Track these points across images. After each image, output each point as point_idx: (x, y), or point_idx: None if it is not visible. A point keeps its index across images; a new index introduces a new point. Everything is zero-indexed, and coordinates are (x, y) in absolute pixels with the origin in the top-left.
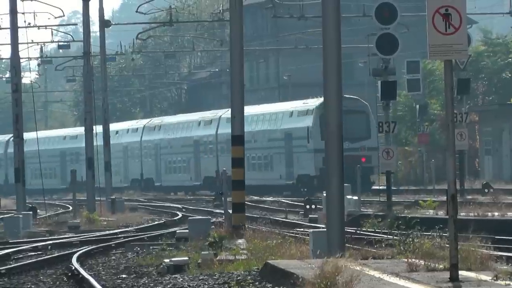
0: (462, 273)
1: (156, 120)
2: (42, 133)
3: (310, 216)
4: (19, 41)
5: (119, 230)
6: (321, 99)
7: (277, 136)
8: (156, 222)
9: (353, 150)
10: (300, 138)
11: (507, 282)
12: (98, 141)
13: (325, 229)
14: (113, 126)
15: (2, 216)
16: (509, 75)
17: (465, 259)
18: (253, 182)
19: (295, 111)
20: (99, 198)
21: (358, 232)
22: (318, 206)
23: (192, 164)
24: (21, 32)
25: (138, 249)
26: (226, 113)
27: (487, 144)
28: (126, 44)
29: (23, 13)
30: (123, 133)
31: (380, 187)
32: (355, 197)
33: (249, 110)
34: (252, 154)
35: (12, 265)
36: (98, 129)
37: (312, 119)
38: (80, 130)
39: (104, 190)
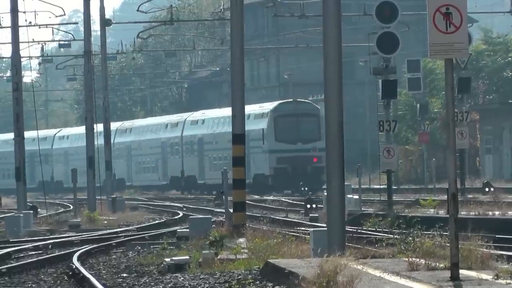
0: (463, 272)
1: (127, 123)
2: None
3: (310, 215)
4: (20, 40)
5: (119, 229)
6: (275, 103)
7: None
8: (157, 221)
9: (305, 151)
10: (256, 140)
11: (508, 281)
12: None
13: (326, 228)
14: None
15: (3, 215)
16: (510, 73)
17: (466, 258)
18: (215, 182)
19: (252, 114)
20: (99, 197)
21: (359, 231)
22: (318, 205)
23: (160, 164)
24: (22, 31)
25: (139, 248)
26: (191, 116)
27: (488, 143)
28: (126, 43)
29: (24, 12)
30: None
31: (381, 186)
32: (356, 196)
33: (209, 113)
34: (213, 155)
35: (13, 264)
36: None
37: (267, 121)
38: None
39: (105, 189)
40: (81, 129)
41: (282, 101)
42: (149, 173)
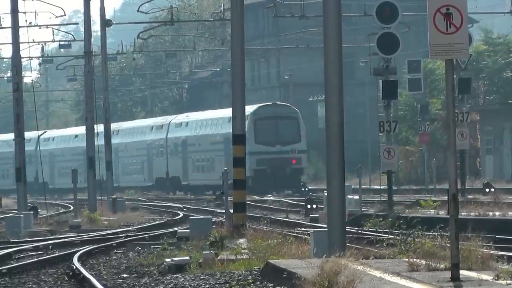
0: (463, 272)
1: (114, 125)
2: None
3: (311, 215)
4: (20, 41)
5: (120, 230)
6: (255, 106)
7: (218, 140)
8: (157, 222)
9: (285, 153)
10: None
11: (508, 281)
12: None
13: (326, 229)
14: (73, 130)
15: (3, 216)
16: (510, 74)
17: (466, 259)
18: (198, 183)
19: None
20: (100, 198)
21: (359, 231)
22: (319, 206)
23: (146, 166)
24: (22, 32)
25: (139, 248)
26: (175, 118)
27: (488, 144)
28: (127, 43)
29: (24, 13)
30: (83, 137)
31: (381, 187)
32: (356, 197)
33: (193, 116)
34: (196, 157)
35: (13, 265)
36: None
37: (246, 124)
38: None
39: (105, 190)
40: (67, 131)
41: (262, 104)
42: (135, 174)
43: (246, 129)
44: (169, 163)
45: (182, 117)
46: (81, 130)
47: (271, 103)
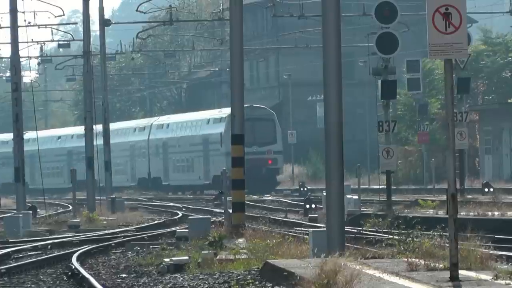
0: (462, 272)
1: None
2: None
3: (310, 215)
4: (19, 40)
5: (119, 230)
6: None
7: (197, 141)
8: (156, 222)
9: (261, 154)
10: (215, 143)
11: (507, 281)
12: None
13: (325, 229)
14: (56, 132)
15: (2, 216)
16: (509, 74)
17: (465, 259)
18: (178, 183)
19: (211, 119)
20: (99, 198)
21: (358, 231)
22: (318, 206)
23: (129, 166)
24: (21, 31)
25: (138, 248)
26: (157, 120)
27: (487, 143)
28: (126, 43)
29: (23, 12)
30: (67, 138)
31: (380, 187)
32: (355, 197)
33: (174, 118)
34: (177, 158)
35: (12, 265)
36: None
37: (224, 125)
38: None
39: (104, 189)
40: (50, 132)
41: None
42: (118, 174)
43: (223, 130)
44: (151, 164)
45: (163, 119)
46: (64, 131)
47: (248, 105)
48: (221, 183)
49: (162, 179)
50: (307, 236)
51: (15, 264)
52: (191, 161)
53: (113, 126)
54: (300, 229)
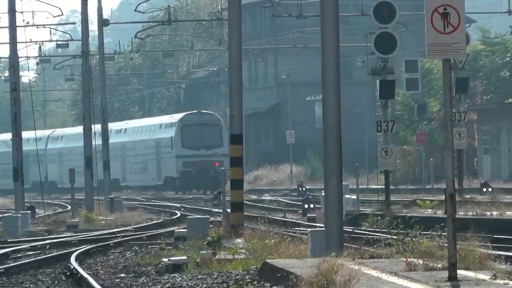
0: (461, 272)
1: (59, 131)
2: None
3: (308, 215)
4: (18, 40)
5: (117, 229)
6: (182, 114)
7: (151, 144)
8: (154, 222)
9: (208, 156)
10: (166, 146)
11: (506, 281)
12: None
13: (324, 228)
14: (25, 134)
15: (0, 215)
16: (508, 74)
17: (464, 259)
18: (134, 184)
19: (163, 123)
20: (97, 197)
21: (357, 231)
22: (316, 206)
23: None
24: (19, 31)
25: (137, 248)
26: (115, 125)
27: (486, 143)
28: (124, 43)
29: (21, 12)
30: (31, 141)
31: (379, 186)
32: (354, 196)
33: (131, 124)
34: (133, 160)
35: (11, 264)
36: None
37: (174, 130)
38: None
39: (103, 189)
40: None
41: (188, 112)
42: (79, 176)
43: (174, 134)
44: (111, 166)
45: (121, 124)
46: (32, 134)
47: (196, 111)
48: (220, 183)
49: (120, 180)
50: (306, 236)
51: (14, 264)
52: (146, 163)
53: (70, 130)
54: (298, 229)
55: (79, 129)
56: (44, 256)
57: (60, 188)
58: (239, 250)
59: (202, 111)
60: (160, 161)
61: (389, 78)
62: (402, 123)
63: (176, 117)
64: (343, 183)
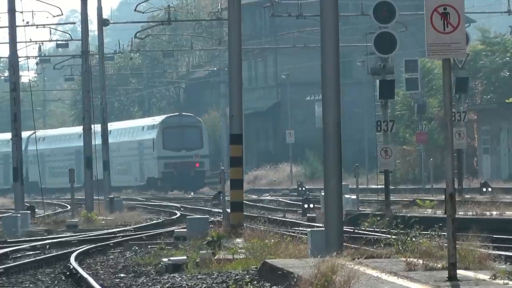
0: (460, 272)
1: (40, 132)
2: None
3: (308, 215)
4: (18, 40)
5: (117, 229)
6: (163, 116)
7: (134, 146)
8: (154, 221)
9: (189, 157)
10: (148, 148)
11: (505, 281)
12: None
13: (323, 228)
14: (2, 136)
15: (0, 215)
16: (507, 73)
17: (464, 258)
18: (118, 184)
19: (146, 125)
20: (97, 197)
21: (356, 231)
22: (316, 205)
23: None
24: (19, 31)
25: (137, 248)
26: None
27: (486, 143)
28: (124, 43)
29: (21, 12)
30: (8, 143)
31: (378, 186)
32: (354, 196)
33: (115, 126)
34: (117, 161)
35: (11, 264)
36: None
37: (156, 132)
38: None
39: (102, 189)
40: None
41: (169, 114)
42: (59, 177)
43: (155, 136)
44: (97, 167)
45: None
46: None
47: (177, 113)
48: (219, 182)
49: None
50: (305, 236)
51: (14, 263)
52: (129, 164)
53: (53, 132)
54: (298, 228)
55: (63, 130)
56: (44, 256)
57: (43, 188)
58: (239, 250)
59: (183, 113)
60: (142, 162)
61: (389, 78)
62: (402, 123)
63: (158, 119)
64: (343, 183)
